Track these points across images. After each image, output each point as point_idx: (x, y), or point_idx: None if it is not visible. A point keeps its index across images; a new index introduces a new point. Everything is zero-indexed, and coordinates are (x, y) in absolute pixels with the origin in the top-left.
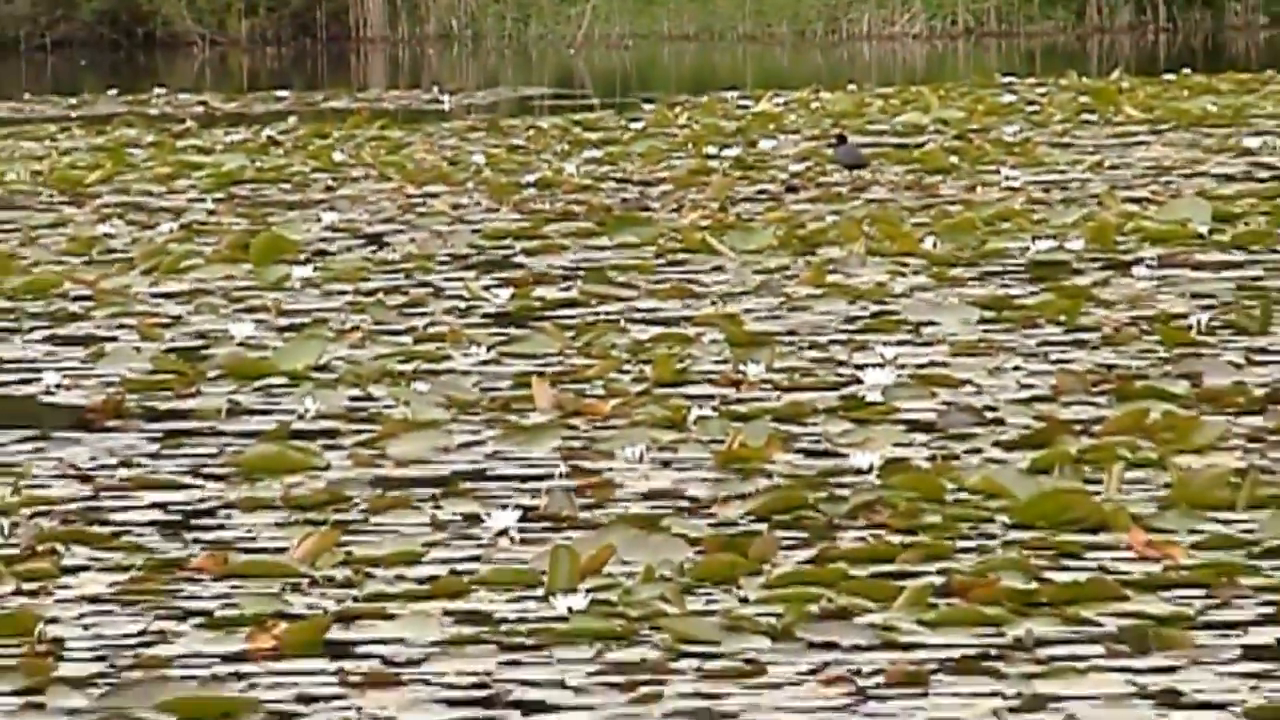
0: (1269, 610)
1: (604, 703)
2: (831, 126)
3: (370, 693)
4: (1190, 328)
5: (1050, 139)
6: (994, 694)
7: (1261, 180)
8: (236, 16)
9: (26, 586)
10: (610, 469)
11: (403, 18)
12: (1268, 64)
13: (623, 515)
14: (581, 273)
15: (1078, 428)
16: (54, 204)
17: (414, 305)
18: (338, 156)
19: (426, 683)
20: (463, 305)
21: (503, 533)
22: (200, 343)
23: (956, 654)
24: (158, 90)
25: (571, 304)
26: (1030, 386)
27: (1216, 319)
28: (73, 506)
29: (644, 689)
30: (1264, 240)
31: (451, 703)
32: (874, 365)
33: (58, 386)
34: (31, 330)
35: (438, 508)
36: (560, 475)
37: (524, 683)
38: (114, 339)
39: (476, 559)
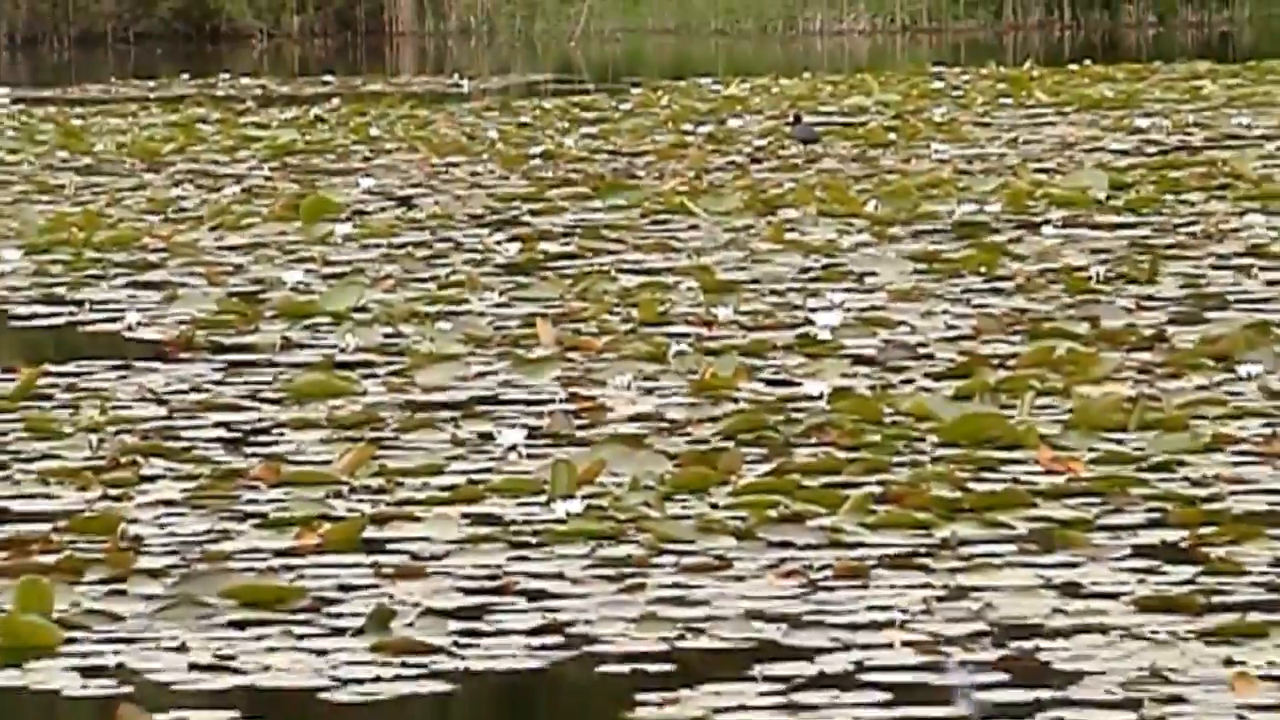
0: (1155, 516)
1: (596, 591)
2: (789, 108)
3: (400, 583)
4: (1090, 278)
5: (973, 119)
6: (924, 585)
7: (1150, 154)
8: (290, 13)
9: (111, 492)
10: (602, 395)
11: (429, 14)
12: (1155, 56)
13: (613, 434)
14: (579, 230)
15: (995, 362)
16: (135, 170)
17: (438, 257)
18: (374, 131)
19: (448, 574)
20: (478, 257)
21: (512, 448)
22: (258, 288)
23: (893, 552)
24: (223, 75)
25: (570, 256)
26: (955, 327)
27: (1112, 270)
28: (151, 425)
29: (630, 580)
30: (1152, 205)
31: (468, 591)
32: (824, 309)
33: (138, 324)
34: (116, 277)
35: (457, 427)
36: (560, 400)
37: (529, 575)
38: (185, 284)
39: (489, 470)
